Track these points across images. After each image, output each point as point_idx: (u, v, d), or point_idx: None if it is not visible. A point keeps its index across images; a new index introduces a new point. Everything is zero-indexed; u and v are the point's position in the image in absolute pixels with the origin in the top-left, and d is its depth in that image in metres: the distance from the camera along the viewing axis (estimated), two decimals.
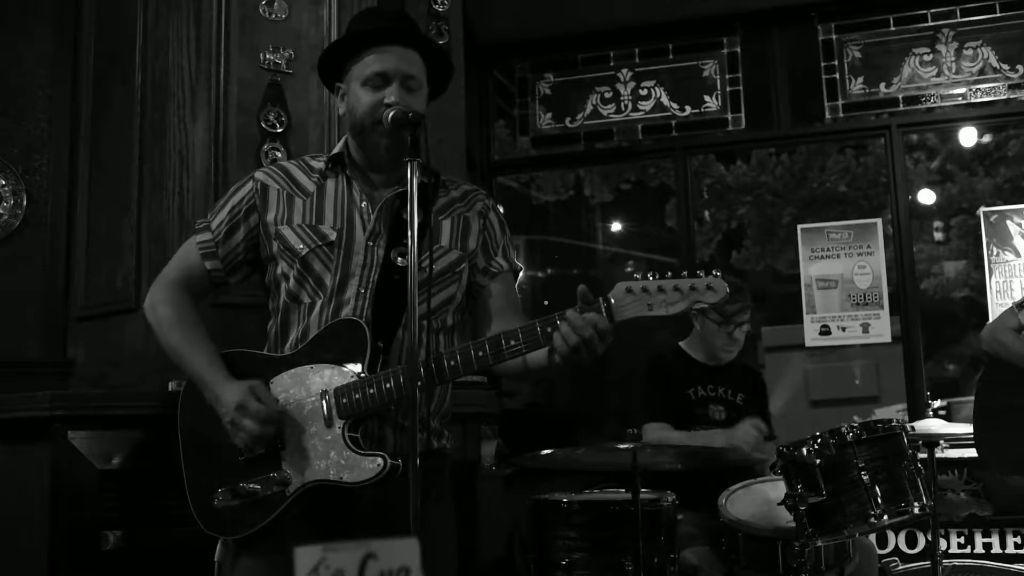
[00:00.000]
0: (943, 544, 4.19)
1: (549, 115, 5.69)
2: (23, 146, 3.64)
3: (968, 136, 6.85)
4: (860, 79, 5.27)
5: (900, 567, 4.31)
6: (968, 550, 4.32)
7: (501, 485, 3.95)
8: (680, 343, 3.80)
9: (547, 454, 2.96)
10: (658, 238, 9.60)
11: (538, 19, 5.44)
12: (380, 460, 1.93)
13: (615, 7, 5.33)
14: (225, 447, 2.03)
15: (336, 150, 2.19)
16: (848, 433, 2.85)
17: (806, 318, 5.14)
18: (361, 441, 1.97)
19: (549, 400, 7.62)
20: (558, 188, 9.23)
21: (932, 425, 3.41)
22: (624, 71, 5.59)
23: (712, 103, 5.46)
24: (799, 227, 5.40)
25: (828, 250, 5.15)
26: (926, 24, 5.22)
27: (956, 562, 4.28)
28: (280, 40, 3.34)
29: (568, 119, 5.64)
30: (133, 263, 3.28)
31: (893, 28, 5.26)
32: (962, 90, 5.14)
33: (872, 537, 3.65)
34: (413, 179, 1.83)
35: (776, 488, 3.03)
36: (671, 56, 5.56)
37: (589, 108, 5.61)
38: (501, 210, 2.30)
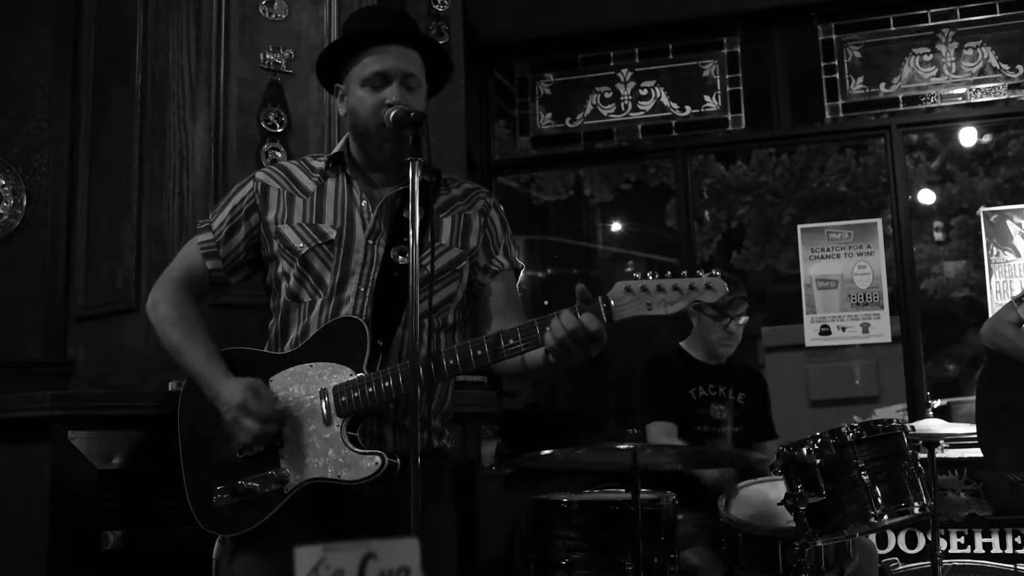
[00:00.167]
0: (943, 544, 4.19)
1: (549, 115, 5.69)
2: (23, 146, 3.64)
3: (968, 136, 6.85)
4: (860, 79, 5.27)
5: (900, 567, 4.31)
6: (968, 550, 4.32)
7: (501, 485, 3.95)
8: (680, 343, 3.80)
9: (547, 454, 2.96)
10: (658, 238, 9.60)
11: (538, 19, 5.44)
12: (378, 459, 1.93)
13: (615, 7, 5.33)
14: (224, 445, 2.04)
15: (336, 149, 2.19)
16: (848, 433, 2.85)
17: (806, 318, 5.14)
18: (360, 440, 1.98)
19: (549, 400, 7.62)
20: (558, 188, 9.23)
21: (932, 425, 3.41)
22: (624, 71, 5.59)
23: (712, 103, 5.46)
24: (799, 227, 5.40)
25: (828, 250, 5.15)
26: (926, 24, 5.21)
27: (956, 562, 4.28)
28: (280, 40, 3.34)
29: (568, 119, 5.64)
30: (133, 263, 3.28)
31: (893, 28, 5.26)
32: (962, 90, 5.14)
33: (872, 537, 3.65)
34: (415, 178, 1.84)
35: (776, 488, 3.03)
36: (671, 56, 5.55)
37: (589, 108, 5.61)
38: (503, 208, 2.30)
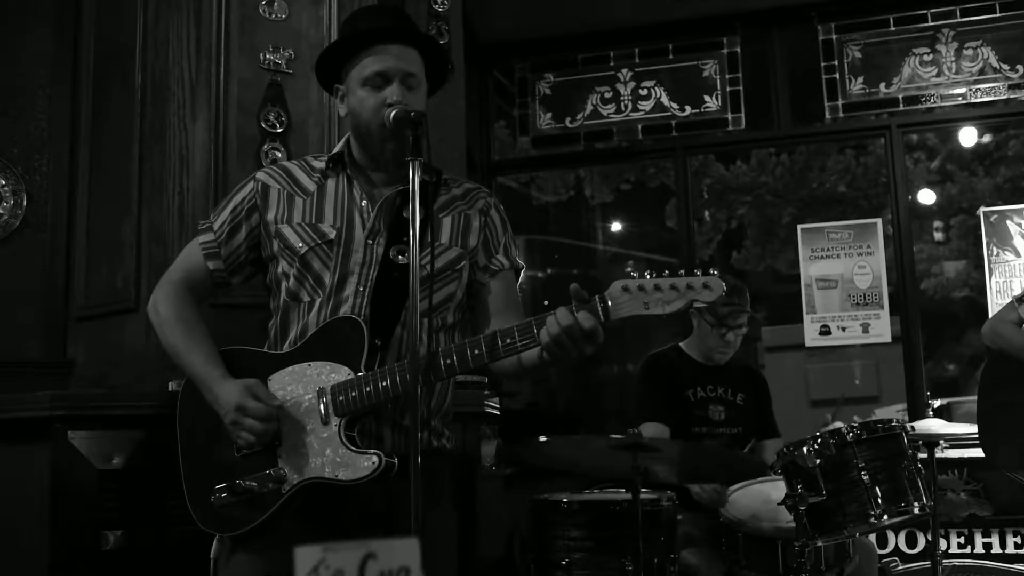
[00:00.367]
0: (943, 544, 4.19)
1: (549, 115, 5.69)
2: (23, 146, 3.64)
3: (968, 136, 6.85)
4: (860, 79, 5.27)
5: (900, 567, 4.31)
6: (968, 550, 4.32)
7: (501, 485, 3.95)
8: (680, 343, 3.80)
9: (545, 441, 2.93)
10: (658, 238, 9.60)
11: (538, 19, 5.44)
12: (375, 458, 1.93)
13: (615, 7, 5.33)
14: (223, 445, 2.04)
15: (337, 149, 2.19)
16: (848, 433, 2.85)
17: (806, 318, 5.14)
18: (358, 439, 1.98)
19: (549, 400, 7.62)
20: (558, 188, 9.23)
21: (932, 425, 3.41)
22: (624, 71, 5.59)
23: (712, 103, 5.46)
24: (799, 227, 5.40)
25: (828, 250, 5.15)
26: (926, 24, 5.22)
27: (956, 562, 4.28)
28: (280, 40, 3.34)
29: (568, 119, 5.64)
30: (133, 263, 3.28)
31: (893, 28, 5.27)
32: (962, 90, 5.14)
33: (872, 537, 3.65)
34: (415, 178, 1.84)
35: (776, 488, 3.03)
36: (671, 56, 5.56)
37: (589, 108, 5.61)
38: (503, 208, 2.30)
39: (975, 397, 3.73)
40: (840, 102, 5.28)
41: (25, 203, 3.62)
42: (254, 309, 2.37)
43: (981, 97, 5.11)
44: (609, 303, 1.82)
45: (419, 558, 0.91)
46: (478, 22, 5.10)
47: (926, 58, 5.19)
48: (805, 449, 2.82)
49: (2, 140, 3.61)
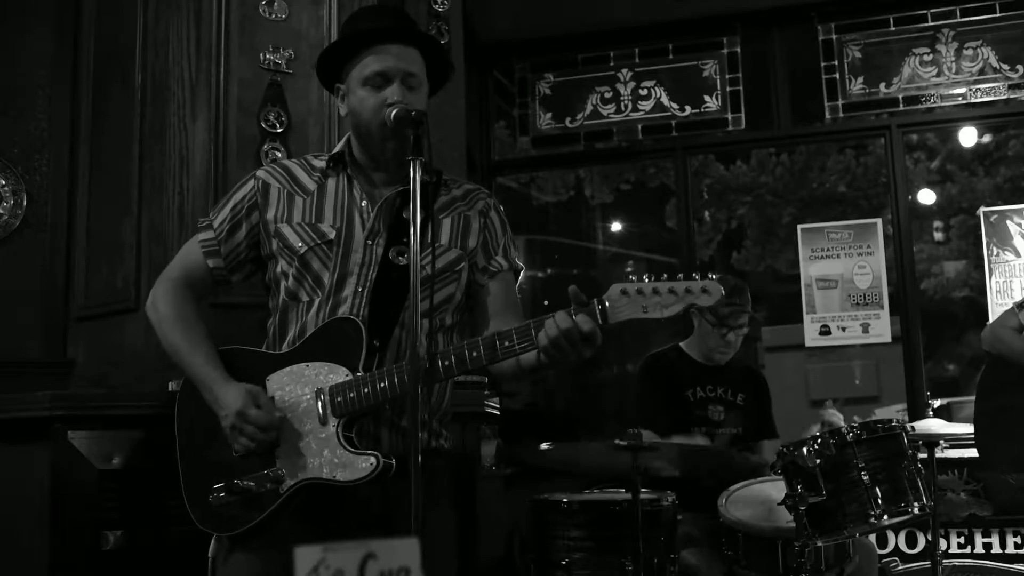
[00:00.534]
0: (943, 544, 4.19)
1: (549, 115, 5.69)
2: (23, 146, 3.64)
3: (968, 136, 6.85)
4: (860, 79, 5.27)
5: (900, 567, 4.31)
6: (968, 550, 4.32)
7: (501, 485, 3.95)
8: (680, 343, 3.80)
9: (547, 448, 2.95)
10: (658, 238, 9.60)
11: (538, 19, 5.44)
12: (373, 459, 1.93)
13: (615, 7, 5.33)
14: (221, 444, 2.04)
15: (337, 149, 2.18)
16: (848, 433, 2.84)
17: (806, 318, 5.14)
18: (356, 440, 1.98)
19: (549, 401, 7.62)
20: (558, 188, 9.23)
21: (932, 425, 3.41)
22: (624, 71, 5.59)
23: (712, 103, 5.46)
24: (799, 227, 5.41)
25: (828, 250, 5.15)
26: (926, 24, 5.22)
27: (956, 562, 4.28)
28: (280, 40, 3.34)
29: (568, 119, 5.64)
30: (133, 263, 3.28)
31: (893, 28, 5.27)
32: (962, 90, 5.14)
33: (872, 537, 3.65)
34: (416, 177, 1.83)
35: (776, 488, 3.03)
36: (671, 56, 5.56)
37: (589, 108, 5.61)
38: (503, 209, 2.30)
39: (974, 400, 3.73)
40: (840, 102, 5.28)
41: (25, 203, 3.62)
42: (253, 308, 2.37)
43: (981, 97, 5.11)
44: (607, 305, 1.82)
45: (419, 558, 0.91)
46: (478, 22, 5.10)
47: (926, 58, 5.19)
48: (805, 449, 2.82)
49: (2, 140, 3.61)
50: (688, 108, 5.49)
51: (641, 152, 5.87)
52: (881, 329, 5.05)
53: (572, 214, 9.76)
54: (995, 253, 4.97)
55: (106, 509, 2.78)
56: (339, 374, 1.98)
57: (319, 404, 1.99)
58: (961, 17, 5.16)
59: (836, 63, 5.30)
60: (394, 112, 1.97)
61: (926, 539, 4.19)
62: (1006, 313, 3.62)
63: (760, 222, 9.85)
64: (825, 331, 5.11)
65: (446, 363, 1.93)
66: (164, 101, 3.30)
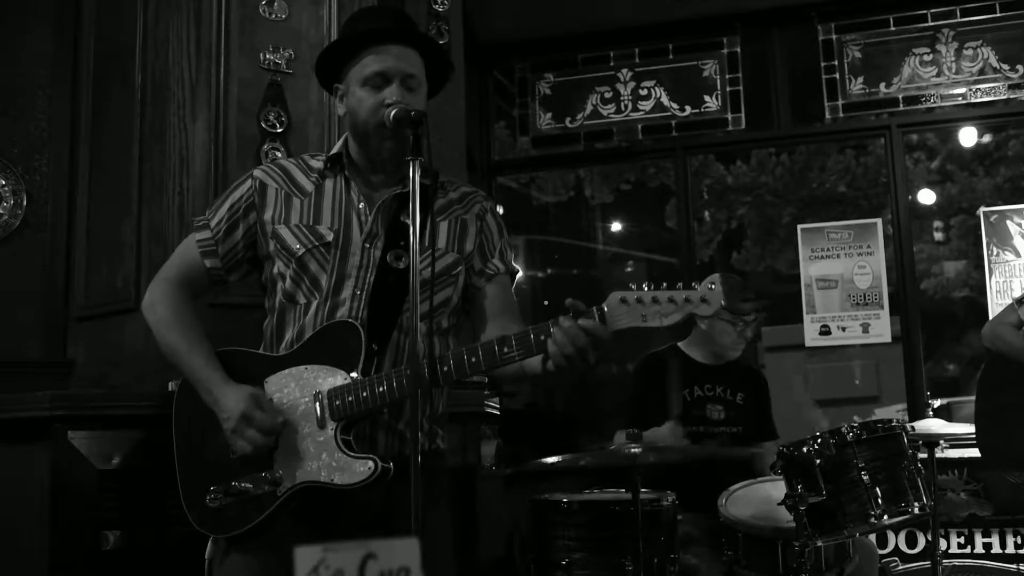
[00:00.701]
0: (943, 544, 4.19)
1: (549, 115, 5.69)
2: (23, 146, 3.64)
3: (968, 136, 6.85)
4: (860, 79, 5.27)
5: (900, 567, 4.31)
6: (968, 550, 4.32)
7: (501, 485, 3.95)
8: (679, 343, 3.80)
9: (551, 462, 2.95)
10: (658, 238, 9.60)
11: (538, 19, 5.44)
12: (371, 463, 1.93)
13: (615, 7, 5.33)
14: (219, 446, 2.03)
15: (335, 150, 2.18)
16: (848, 433, 2.84)
17: (806, 318, 5.14)
18: (353, 443, 1.97)
19: (548, 401, 7.62)
20: (558, 189, 9.23)
21: (932, 425, 3.41)
22: (624, 71, 5.59)
23: (712, 103, 5.46)
24: (799, 227, 5.40)
25: (828, 250, 5.15)
26: (926, 24, 5.22)
27: (956, 562, 4.28)
28: (280, 40, 3.34)
29: (568, 119, 5.64)
30: (133, 263, 3.28)
31: (893, 28, 5.27)
32: (962, 90, 5.14)
33: (872, 537, 3.65)
34: (415, 177, 1.83)
35: (776, 488, 3.03)
36: (671, 56, 5.56)
37: (589, 108, 5.61)
38: (501, 210, 2.29)
39: (975, 397, 3.73)
40: (840, 102, 5.28)
41: (25, 203, 3.62)
42: (252, 309, 2.36)
43: (981, 97, 5.11)
44: (607, 313, 1.81)
45: (419, 558, 0.91)
46: (478, 22, 5.10)
47: (926, 58, 5.19)
48: (805, 449, 2.82)
49: (2, 140, 3.61)
50: (688, 108, 5.49)
51: (641, 152, 5.87)
52: (881, 329, 5.05)
53: (572, 214, 9.76)
54: (995, 253, 4.97)
55: (106, 509, 2.78)
56: (338, 377, 1.98)
57: (317, 407, 1.98)
58: (961, 17, 5.16)
59: (836, 63, 5.30)
60: (393, 112, 1.97)
61: (926, 539, 4.19)
62: (1006, 309, 3.62)
63: (760, 222, 9.85)
64: (825, 331, 5.11)
65: (445, 369, 1.93)
66: (164, 101, 3.30)
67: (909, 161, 7.56)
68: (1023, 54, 5.07)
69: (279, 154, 3.26)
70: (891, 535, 4.35)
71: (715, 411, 3.62)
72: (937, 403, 3.83)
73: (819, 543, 2.86)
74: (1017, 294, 4.20)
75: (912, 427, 3.21)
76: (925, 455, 3.22)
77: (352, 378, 1.97)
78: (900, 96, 5.22)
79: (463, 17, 4.30)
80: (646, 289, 1.80)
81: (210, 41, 3.27)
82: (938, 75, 5.18)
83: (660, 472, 3.27)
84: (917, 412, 4.67)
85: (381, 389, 1.93)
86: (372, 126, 2.05)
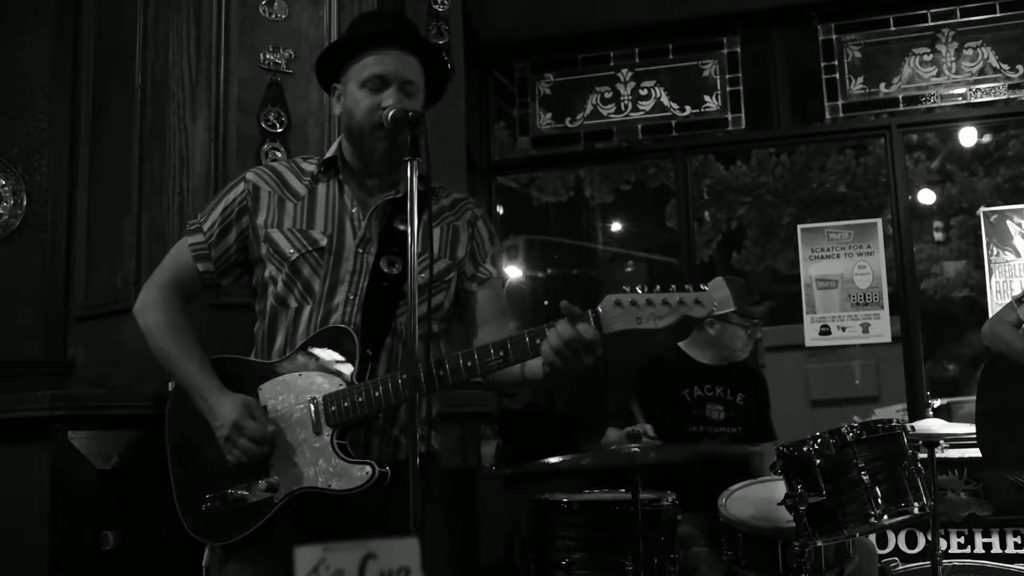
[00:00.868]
0: (943, 544, 4.19)
1: (549, 115, 5.69)
2: (23, 146, 3.64)
3: (968, 136, 6.86)
4: (860, 79, 5.27)
5: (900, 567, 4.31)
6: (968, 550, 4.32)
7: (501, 485, 3.95)
8: (680, 344, 3.80)
9: (551, 462, 2.96)
10: (658, 238, 9.61)
11: (538, 19, 5.44)
12: (369, 468, 1.93)
13: (615, 7, 5.33)
14: (213, 453, 2.02)
15: (329, 154, 2.17)
16: (848, 433, 2.84)
17: (806, 318, 5.14)
18: (349, 448, 1.98)
19: (548, 401, 7.62)
20: (558, 189, 9.24)
21: (932, 425, 3.41)
22: (624, 71, 5.59)
23: (712, 103, 5.46)
24: (799, 227, 5.40)
25: (828, 250, 5.15)
26: (926, 24, 5.22)
27: (956, 562, 4.28)
28: (280, 40, 3.34)
29: (568, 119, 5.64)
30: (133, 263, 3.28)
31: (893, 28, 5.27)
32: (962, 90, 5.14)
33: (872, 537, 3.65)
34: (413, 178, 1.83)
35: (776, 488, 3.03)
36: (671, 56, 5.56)
37: (589, 108, 5.61)
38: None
39: (975, 397, 3.72)
40: (840, 102, 5.28)
41: (25, 203, 3.62)
42: (251, 309, 2.36)
43: (981, 97, 5.11)
44: (601, 315, 1.82)
45: (419, 558, 0.91)
46: (478, 22, 5.10)
47: (926, 58, 5.19)
48: (805, 449, 2.83)
49: (2, 140, 3.61)
50: (688, 108, 5.49)
51: (641, 152, 5.87)
52: (881, 329, 5.05)
53: (572, 214, 9.77)
54: (995, 253, 4.97)
55: (106, 509, 2.78)
56: (333, 383, 1.98)
57: (313, 413, 1.98)
58: (961, 17, 5.16)
59: (836, 63, 5.30)
60: (391, 113, 1.97)
61: (926, 539, 4.19)
62: (1005, 308, 3.61)
63: (760, 222, 9.86)
64: (825, 331, 5.11)
65: (440, 373, 1.92)
66: (164, 101, 3.29)
67: (909, 161, 7.56)
68: (1023, 54, 5.07)
69: (279, 154, 3.26)
70: (891, 535, 4.35)
71: (715, 411, 3.62)
72: (937, 403, 3.83)
73: (819, 543, 2.86)
74: (1017, 292, 4.20)
75: (912, 427, 3.21)
76: (925, 455, 3.22)
77: (347, 383, 1.97)
78: (900, 96, 5.22)
79: (463, 17, 4.30)
80: (640, 291, 1.80)
81: (210, 41, 3.27)
82: (938, 75, 5.17)
83: (660, 472, 3.27)
84: (917, 412, 4.67)
85: (377, 394, 1.93)
86: (367, 127, 2.05)
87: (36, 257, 3.60)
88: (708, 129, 5.49)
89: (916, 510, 2.83)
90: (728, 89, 5.43)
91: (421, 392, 1.90)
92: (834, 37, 5.32)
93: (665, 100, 5.52)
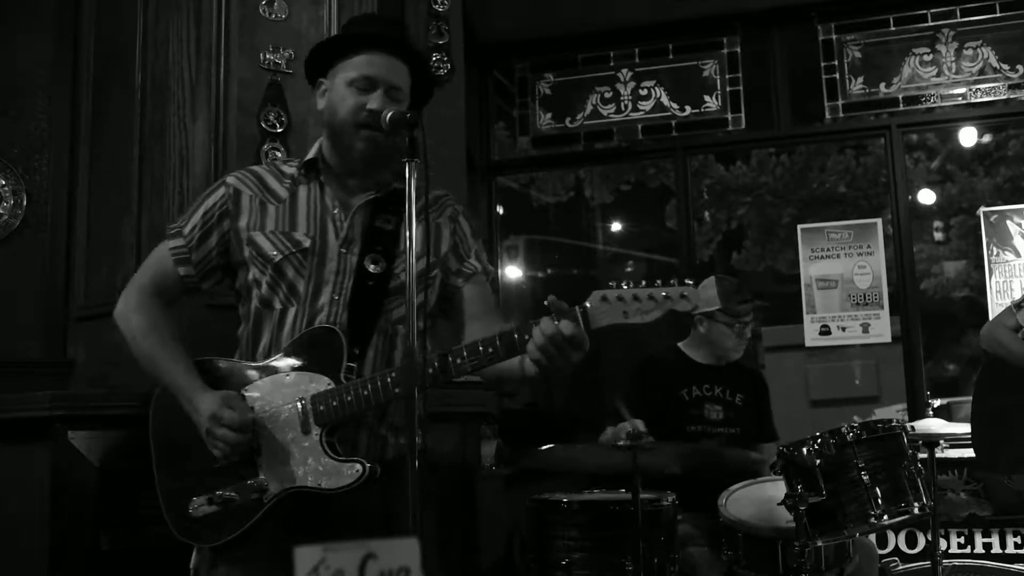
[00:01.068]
0: (943, 544, 4.19)
1: (549, 115, 5.69)
2: (23, 146, 3.64)
3: (968, 136, 6.85)
4: (860, 79, 5.27)
5: (900, 567, 4.31)
6: (968, 550, 4.32)
7: (501, 485, 3.95)
8: (679, 344, 3.80)
9: (547, 449, 2.96)
10: (658, 238, 9.61)
11: (538, 19, 5.45)
12: (359, 466, 1.94)
13: (615, 7, 5.33)
14: (200, 455, 2.02)
15: (310, 156, 2.17)
16: (848, 433, 2.84)
17: (806, 318, 5.14)
18: (338, 447, 1.98)
19: (548, 400, 7.62)
20: (558, 190, 9.24)
21: (932, 425, 3.41)
22: (624, 71, 5.59)
23: (712, 103, 5.46)
24: (799, 227, 5.40)
25: (828, 250, 5.15)
26: (926, 24, 5.22)
27: (956, 562, 4.28)
28: (280, 40, 3.34)
29: (568, 119, 5.64)
30: (133, 263, 3.27)
31: (893, 28, 5.27)
32: (962, 90, 5.14)
33: (872, 537, 3.65)
34: (412, 179, 1.83)
35: (776, 488, 3.03)
36: (671, 56, 5.56)
37: (589, 108, 5.61)
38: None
39: (971, 399, 3.72)
40: (840, 102, 5.28)
41: (25, 203, 3.62)
42: None
43: (981, 97, 5.11)
44: (588, 310, 1.83)
45: (419, 558, 0.92)
46: (478, 22, 5.10)
47: (926, 58, 5.19)
48: (805, 449, 2.83)
49: (2, 140, 3.61)
50: (688, 108, 5.49)
51: (641, 152, 5.87)
52: (881, 329, 5.05)
53: (572, 214, 9.77)
54: (995, 253, 4.97)
55: (106, 509, 2.78)
56: (320, 383, 1.99)
57: (301, 413, 1.99)
58: (961, 17, 5.16)
59: (836, 63, 5.30)
60: (390, 115, 1.97)
61: (926, 539, 4.19)
62: (1004, 312, 3.60)
63: (760, 222, 9.86)
64: (825, 331, 5.11)
65: (430, 370, 1.93)
66: (164, 101, 3.30)
67: (909, 161, 7.56)
68: (1023, 54, 5.07)
69: (279, 154, 3.26)
70: (891, 535, 4.35)
71: (713, 411, 3.61)
72: (937, 403, 3.83)
73: (819, 543, 2.86)
74: (1017, 296, 4.19)
75: (912, 427, 3.21)
76: (925, 455, 3.22)
77: (335, 383, 1.97)
78: (900, 96, 5.22)
79: (463, 17, 4.31)
80: (626, 287, 1.82)
81: (210, 41, 3.27)
82: (938, 75, 5.18)
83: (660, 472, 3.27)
84: (917, 412, 4.67)
85: (365, 393, 1.94)
86: (349, 125, 2.07)
87: (36, 257, 3.60)
88: (708, 129, 5.49)
89: (916, 510, 2.83)
90: (728, 89, 5.43)
91: (422, 386, 1.90)
92: (834, 37, 5.32)
93: (665, 100, 5.52)
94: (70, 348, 3.54)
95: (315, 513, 1.99)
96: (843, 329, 5.09)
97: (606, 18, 5.42)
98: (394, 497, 1.83)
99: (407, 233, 1.83)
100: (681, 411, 3.59)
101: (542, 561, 3.07)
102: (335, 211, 2.11)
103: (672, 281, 1.82)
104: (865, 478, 2.78)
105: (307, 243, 2.08)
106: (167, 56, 3.31)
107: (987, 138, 8.54)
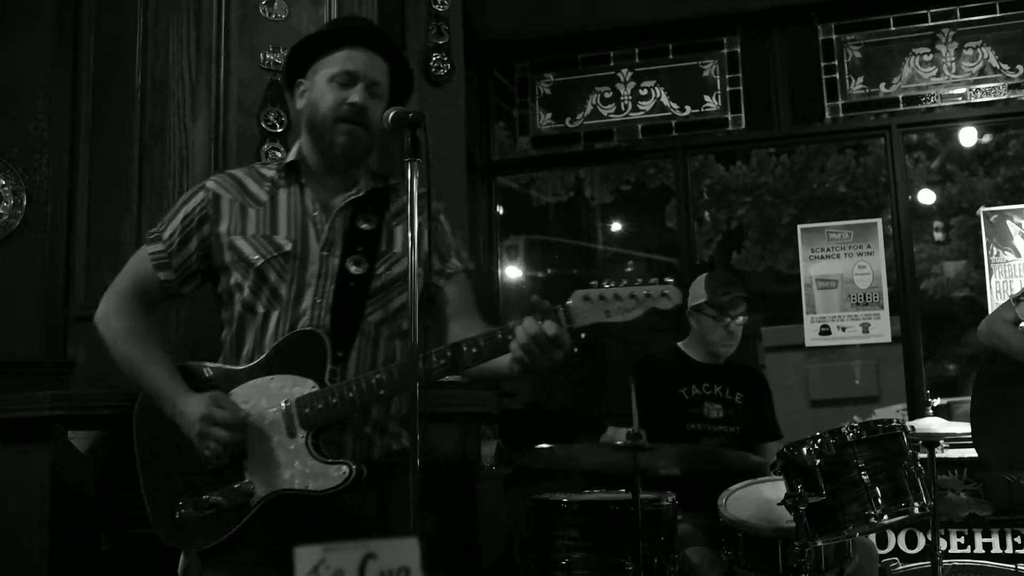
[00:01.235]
0: (943, 544, 4.19)
1: (549, 115, 5.69)
2: (23, 146, 3.64)
3: (968, 136, 6.85)
4: (860, 79, 5.27)
5: (900, 567, 4.31)
6: (968, 550, 4.32)
7: (501, 485, 3.95)
8: (679, 343, 3.80)
9: (547, 449, 2.97)
10: (658, 238, 9.61)
11: (538, 19, 5.45)
12: (346, 468, 1.94)
13: (615, 7, 5.33)
14: (186, 460, 2.02)
15: (290, 158, 2.17)
16: (848, 433, 2.84)
17: (806, 318, 5.14)
18: (324, 449, 1.98)
19: (548, 400, 7.62)
20: (558, 190, 9.24)
21: (932, 425, 3.41)
22: (624, 71, 5.59)
23: (712, 103, 5.46)
24: (799, 227, 5.40)
25: (828, 250, 5.15)
26: (926, 24, 5.22)
27: (956, 562, 4.28)
28: (280, 40, 3.35)
29: (568, 119, 5.64)
30: None
31: (893, 28, 5.27)
32: (962, 90, 5.14)
33: (872, 537, 3.65)
34: (413, 180, 1.84)
35: (776, 488, 3.03)
36: (671, 56, 5.56)
37: (589, 108, 5.61)
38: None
39: (971, 395, 3.72)
40: (840, 102, 5.28)
41: (25, 203, 3.61)
42: None
43: (981, 97, 5.11)
44: (571, 311, 1.85)
45: (419, 558, 0.92)
46: (478, 22, 5.10)
47: (926, 58, 5.19)
48: (805, 449, 2.83)
49: (2, 140, 3.61)
50: (688, 108, 5.49)
51: (641, 152, 5.87)
52: (881, 329, 5.05)
53: (572, 214, 9.77)
54: (995, 253, 4.97)
55: (106, 509, 2.78)
56: (305, 386, 1.99)
57: (286, 416, 1.99)
58: (961, 17, 5.16)
59: (836, 63, 5.30)
60: (392, 114, 1.97)
61: (926, 539, 4.19)
62: (1003, 306, 3.60)
63: (760, 222, 9.86)
64: (825, 331, 5.11)
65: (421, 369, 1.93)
66: (164, 101, 3.30)
67: (909, 161, 7.56)
68: (1023, 54, 5.07)
69: (279, 154, 3.26)
70: (891, 535, 4.35)
71: (713, 409, 3.61)
72: (937, 403, 3.82)
73: (819, 543, 2.86)
74: (1016, 291, 4.19)
75: (912, 427, 3.21)
76: (925, 455, 3.22)
77: (320, 385, 1.98)
78: (900, 96, 5.22)
79: (463, 17, 4.31)
80: (607, 286, 1.84)
81: (210, 41, 3.28)
82: (938, 75, 5.18)
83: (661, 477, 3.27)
84: (917, 412, 4.66)
85: (350, 395, 1.95)
86: (330, 120, 2.07)
87: (36, 257, 3.60)
88: (708, 129, 5.49)
89: (916, 510, 2.83)
90: (728, 89, 5.43)
91: (398, 391, 1.93)
92: (834, 37, 5.32)
93: (665, 100, 5.52)
94: (70, 348, 3.54)
95: (302, 516, 1.99)
96: (843, 329, 5.09)
97: (606, 18, 5.42)
98: (381, 497, 1.82)
99: (409, 234, 1.83)
100: (681, 410, 3.59)
101: (542, 561, 3.07)
102: (315, 213, 2.11)
103: (653, 280, 1.83)
104: (865, 478, 2.78)
105: (288, 247, 2.08)
106: (167, 56, 3.31)
107: (987, 138, 8.54)
